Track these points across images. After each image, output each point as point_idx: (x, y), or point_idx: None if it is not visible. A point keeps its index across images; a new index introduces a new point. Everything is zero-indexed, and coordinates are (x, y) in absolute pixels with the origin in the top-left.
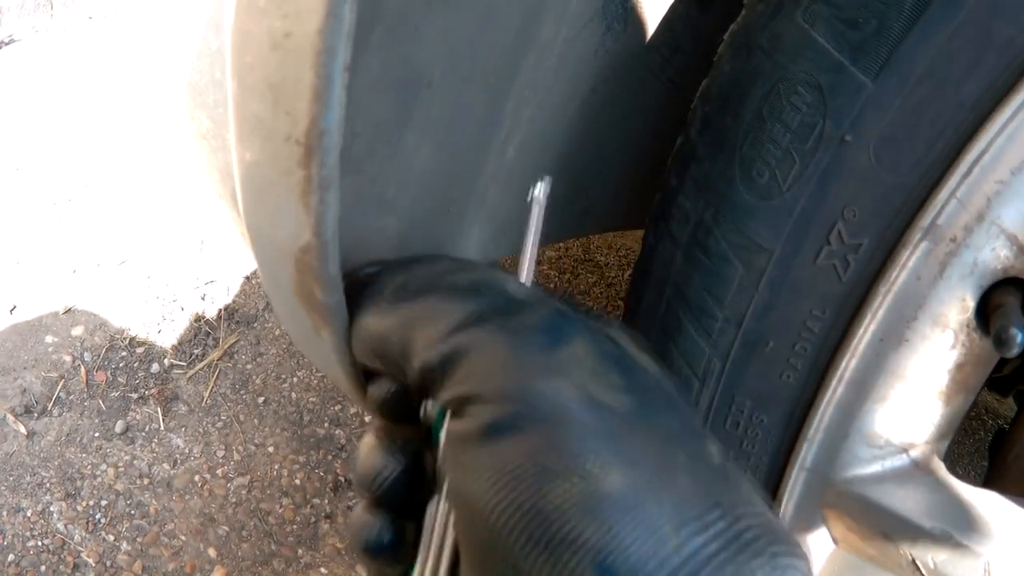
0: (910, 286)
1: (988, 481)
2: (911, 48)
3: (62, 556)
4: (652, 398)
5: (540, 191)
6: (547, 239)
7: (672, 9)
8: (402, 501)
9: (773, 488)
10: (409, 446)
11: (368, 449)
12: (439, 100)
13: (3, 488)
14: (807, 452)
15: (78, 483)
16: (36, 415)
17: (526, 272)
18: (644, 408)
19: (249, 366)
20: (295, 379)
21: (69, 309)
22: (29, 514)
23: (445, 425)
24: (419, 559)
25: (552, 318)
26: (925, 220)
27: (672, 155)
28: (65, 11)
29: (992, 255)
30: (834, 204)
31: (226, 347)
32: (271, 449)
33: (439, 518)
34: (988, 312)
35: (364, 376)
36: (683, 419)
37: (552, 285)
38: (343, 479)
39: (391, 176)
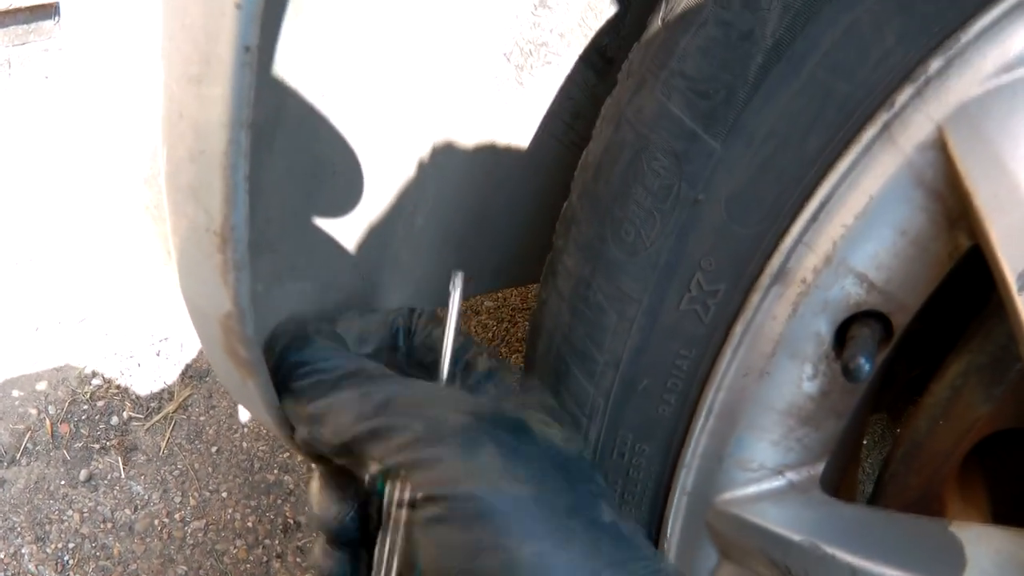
0: (766, 325)
1: (873, 498)
2: (755, 112)
3: None
4: (550, 484)
5: (456, 283)
6: (468, 295)
7: (570, 78)
8: (354, 537)
9: (660, 509)
10: (353, 491)
11: (319, 495)
12: (344, 184)
13: None
14: (686, 477)
15: (47, 527)
16: (6, 464)
17: (446, 365)
18: (544, 493)
19: (202, 418)
20: (245, 429)
21: (33, 365)
22: (2, 556)
23: (396, 508)
24: None
25: (468, 434)
26: (774, 266)
27: (559, 219)
28: (22, 70)
29: (842, 293)
30: (692, 256)
31: (180, 400)
32: (224, 494)
33: (386, 553)
34: (845, 343)
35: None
36: (579, 491)
37: (491, 334)
38: (292, 521)
39: (304, 250)
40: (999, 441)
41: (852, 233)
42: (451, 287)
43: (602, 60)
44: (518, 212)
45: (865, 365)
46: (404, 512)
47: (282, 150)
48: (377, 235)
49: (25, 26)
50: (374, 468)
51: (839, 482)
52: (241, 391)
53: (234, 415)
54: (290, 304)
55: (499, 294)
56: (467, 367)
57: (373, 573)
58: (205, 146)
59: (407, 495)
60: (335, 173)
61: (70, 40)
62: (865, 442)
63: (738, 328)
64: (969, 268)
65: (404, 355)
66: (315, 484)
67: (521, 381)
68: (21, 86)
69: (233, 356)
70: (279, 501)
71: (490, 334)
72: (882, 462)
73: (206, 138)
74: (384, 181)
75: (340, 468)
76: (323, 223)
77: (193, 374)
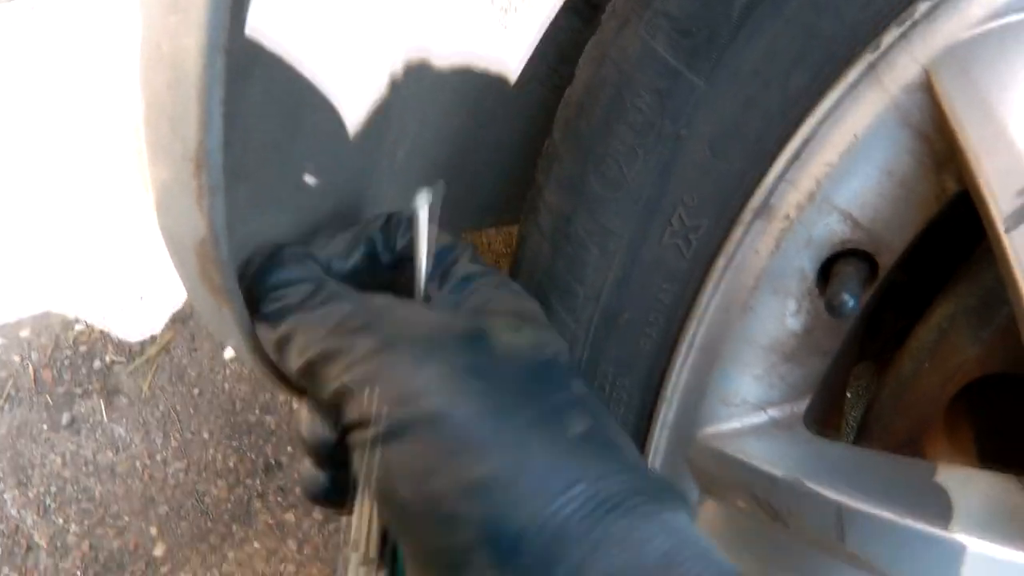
0: (749, 259)
1: (857, 440)
2: (739, 50)
3: (16, 539)
4: (510, 397)
5: (423, 202)
6: (452, 233)
7: (555, 23)
8: (339, 458)
9: (641, 444)
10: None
11: (306, 420)
12: (323, 116)
13: None
14: (667, 411)
15: (29, 472)
16: None
17: (422, 285)
18: (502, 408)
19: (185, 360)
20: (227, 371)
21: (16, 313)
22: None
23: (353, 431)
24: (356, 508)
25: (422, 347)
26: (757, 201)
27: (540, 156)
28: (9, 28)
29: (826, 230)
30: (674, 192)
31: (163, 343)
32: (206, 435)
33: (361, 479)
34: (829, 280)
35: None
36: (544, 403)
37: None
38: (273, 461)
39: (282, 181)
40: (986, 385)
41: (836, 172)
42: (416, 206)
43: (587, 6)
44: (502, 154)
45: (849, 301)
46: (358, 433)
47: (260, 80)
48: (358, 167)
49: None
50: (347, 418)
51: (823, 425)
52: (217, 320)
53: (216, 357)
54: (268, 235)
55: (484, 239)
56: (445, 275)
57: (358, 495)
58: (181, 73)
59: (357, 415)
60: (315, 104)
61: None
62: (849, 395)
63: (720, 262)
64: (955, 219)
65: (388, 266)
66: (303, 412)
67: (503, 285)
68: (7, 44)
69: (208, 283)
70: (260, 441)
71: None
72: (866, 403)
73: (182, 65)
74: (364, 114)
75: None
76: (303, 154)
77: (176, 317)
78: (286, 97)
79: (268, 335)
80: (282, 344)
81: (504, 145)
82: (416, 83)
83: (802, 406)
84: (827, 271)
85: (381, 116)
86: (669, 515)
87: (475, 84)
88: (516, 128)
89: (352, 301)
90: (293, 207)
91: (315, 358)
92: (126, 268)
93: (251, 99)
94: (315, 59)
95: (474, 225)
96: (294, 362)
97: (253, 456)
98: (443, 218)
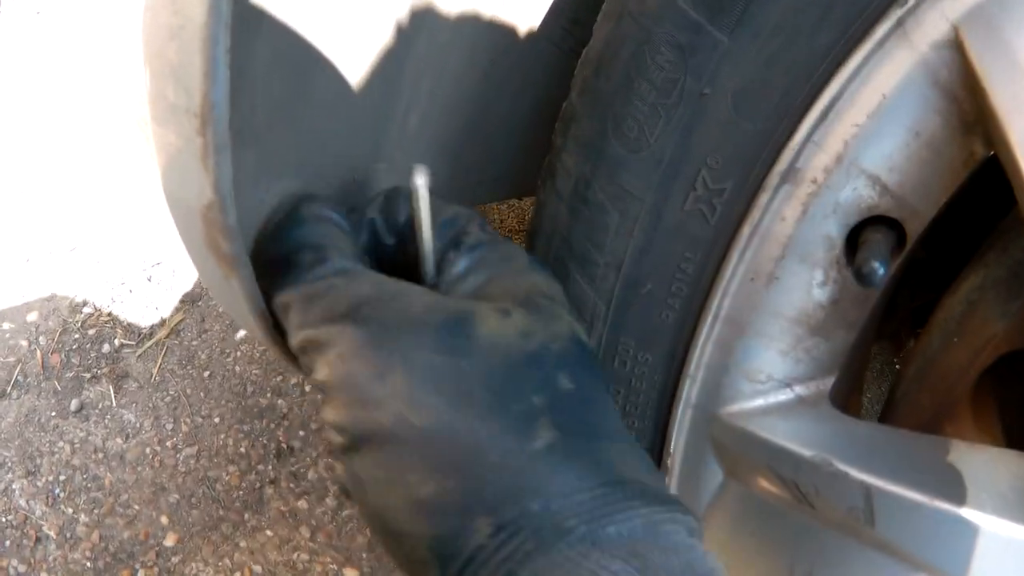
0: (775, 226)
1: (883, 418)
2: (763, 5)
3: (25, 530)
4: (472, 408)
5: (421, 178)
6: (467, 205)
7: None
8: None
9: (663, 423)
10: None
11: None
12: (334, 77)
13: None
14: (690, 388)
15: (37, 461)
16: None
17: (428, 264)
18: (464, 418)
19: (195, 342)
20: (238, 353)
21: (24, 296)
22: None
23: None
24: None
25: (394, 347)
26: (783, 164)
27: (558, 118)
28: (14, 6)
29: (854, 195)
30: (698, 153)
31: (172, 325)
32: (217, 420)
33: None
34: (857, 248)
35: (274, 322)
36: (509, 412)
37: None
38: (286, 446)
39: (291, 145)
40: (1015, 361)
41: (864, 132)
42: (413, 184)
43: None
44: (516, 120)
45: (879, 269)
46: (331, 435)
47: (269, 36)
48: (369, 133)
49: None
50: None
51: (845, 405)
52: (224, 292)
53: (227, 339)
54: (276, 202)
55: (496, 215)
56: (454, 247)
57: None
58: (185, 20)
59: (331, 418)
60: (325, 65)
61: None
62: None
63: (745, 229)
64: (977, 197)
65: (393, 246)
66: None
67: (508, 257)
68: (13, 22)
69: (215, 251)
70: (272, 426)
71: None
72: (893, 380)
73: (186, 11)
74: (376, 76)
75: None
76: (312, 116)
77: (186, 299)
78: (296, 56)
79: (274, 300)
80: (281, 314)
81: (518, 111)
82: (427, 43)
83: (828, 383)
84: (854, 240)
85: (391, 79)
86: (634, 538)
87: (487, 46)
88: (530, 93)
89: (349, 280)
90: (302, 172)
91: (304, 343)
92: (135, 250)
93: (260, 57)
94: (331, 20)
95: (488, 197)
96: (291, 336)
97: (265, 441)
98: (453, 190)
